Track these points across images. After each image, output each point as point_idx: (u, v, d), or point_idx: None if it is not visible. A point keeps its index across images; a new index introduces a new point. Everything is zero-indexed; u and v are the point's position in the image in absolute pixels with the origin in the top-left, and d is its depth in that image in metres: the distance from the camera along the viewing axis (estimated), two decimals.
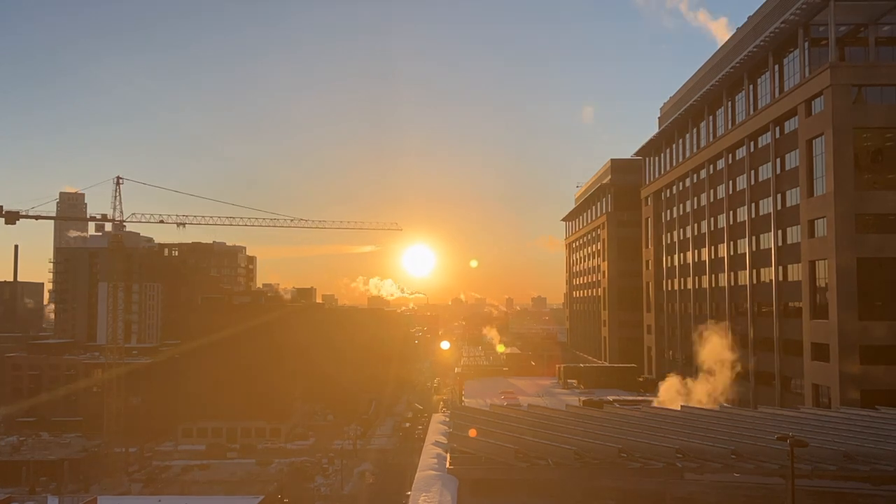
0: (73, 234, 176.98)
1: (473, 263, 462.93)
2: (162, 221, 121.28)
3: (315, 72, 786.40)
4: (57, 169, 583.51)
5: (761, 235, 65.83)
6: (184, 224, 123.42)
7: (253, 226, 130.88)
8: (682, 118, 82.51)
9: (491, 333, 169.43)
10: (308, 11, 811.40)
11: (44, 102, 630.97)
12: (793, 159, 59.19)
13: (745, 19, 67.79)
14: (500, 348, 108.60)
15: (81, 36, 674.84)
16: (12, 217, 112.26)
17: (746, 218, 68.06)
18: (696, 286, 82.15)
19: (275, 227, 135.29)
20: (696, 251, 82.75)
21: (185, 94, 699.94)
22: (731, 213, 72.35)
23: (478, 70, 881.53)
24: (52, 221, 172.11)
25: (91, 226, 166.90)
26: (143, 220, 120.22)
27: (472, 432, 32.64)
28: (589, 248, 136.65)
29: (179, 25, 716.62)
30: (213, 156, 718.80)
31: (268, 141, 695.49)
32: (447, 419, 39.85)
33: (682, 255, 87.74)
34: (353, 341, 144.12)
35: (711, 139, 76.14)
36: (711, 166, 77.50)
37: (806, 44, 56.24)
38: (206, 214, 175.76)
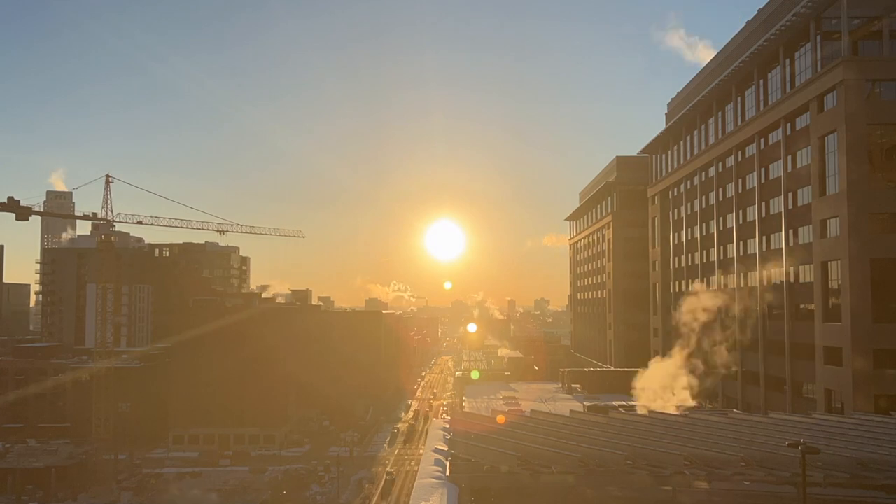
0: (62, 237, 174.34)
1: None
2: (140, 222, 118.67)
3: (316, 69, 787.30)
4: (41, 169, 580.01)
5: (772, 235, 64.57)
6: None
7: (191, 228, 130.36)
8: (690, 114, 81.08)
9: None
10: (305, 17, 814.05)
11: (30, 98, 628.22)
12: (804, 157, 58.01)
13: (756, 12, 66.23)
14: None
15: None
16: (24, 213, 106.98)
17: (756, 217, 66.80)
18: (705, 287, 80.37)
19: (212, 230, 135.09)
20: (704, 252, 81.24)
21: (173, 91, 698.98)
22: (741, 212, 70.99)
23: (478, 65, 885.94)
24: (39, 222, 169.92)
25: (79, 225, 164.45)
26: (126, 219, 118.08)
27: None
28: (594, 249, 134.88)
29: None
30: (203, 153, 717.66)
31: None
32: (447, 425, 38.70)
33: (689, 255, 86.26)
34: (350, 344, 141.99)
35: (720, 136, 74.75)
36: (720, 164, 76.00)
37: (818, 37, 55.08)
38: (179, 217, 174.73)
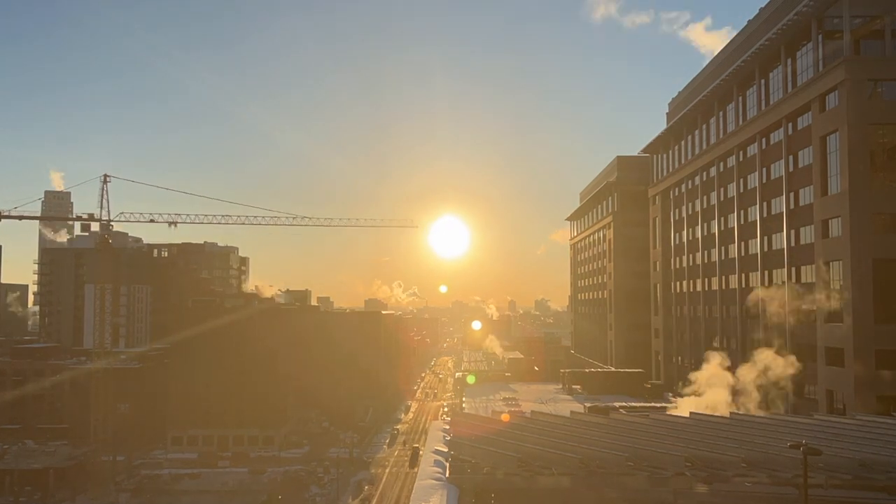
0: (58, 235, 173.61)
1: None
2: (153, 220, 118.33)
3: (319, 64, 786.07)
4: (42, 167, 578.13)
5: (773, 236, 64.19)
6: (175, 223, 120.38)
7: (251, 224, 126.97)
8: (691, 114, 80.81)
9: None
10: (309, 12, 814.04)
11: (25, 94, 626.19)
12: (806, 156, 57.66)
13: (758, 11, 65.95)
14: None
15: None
16: None
17: (757, 217, 66.45)
18: (706, 288, 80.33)
19: (275, 225, 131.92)
20: (705, 252, 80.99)
21: (177, 87, 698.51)
22: (742, 212, 70.65)
23: (480, 63, 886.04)
24: (37, 221, 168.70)
25: (77, 226, 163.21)
26: (132, 219, 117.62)
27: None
28: (594, 249, 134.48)
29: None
30: (209, 151, 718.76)
31: (272, 135, 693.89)
32: (447, 426, 38.49)
33: (691, 255, 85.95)
34: (349, 345, 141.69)
35: (721, 136, 74.45)
36: (721, 164, 75.72)
37: (820, 37, 54.76)
38: (199, 213, 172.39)
